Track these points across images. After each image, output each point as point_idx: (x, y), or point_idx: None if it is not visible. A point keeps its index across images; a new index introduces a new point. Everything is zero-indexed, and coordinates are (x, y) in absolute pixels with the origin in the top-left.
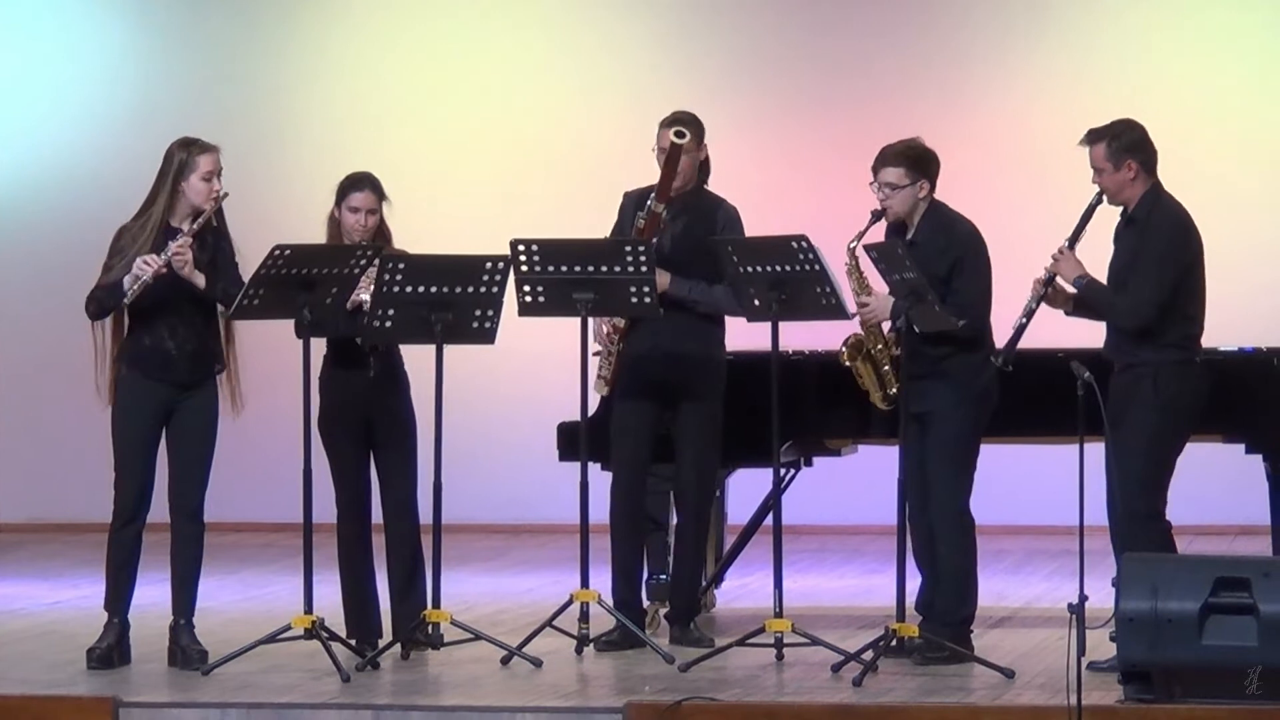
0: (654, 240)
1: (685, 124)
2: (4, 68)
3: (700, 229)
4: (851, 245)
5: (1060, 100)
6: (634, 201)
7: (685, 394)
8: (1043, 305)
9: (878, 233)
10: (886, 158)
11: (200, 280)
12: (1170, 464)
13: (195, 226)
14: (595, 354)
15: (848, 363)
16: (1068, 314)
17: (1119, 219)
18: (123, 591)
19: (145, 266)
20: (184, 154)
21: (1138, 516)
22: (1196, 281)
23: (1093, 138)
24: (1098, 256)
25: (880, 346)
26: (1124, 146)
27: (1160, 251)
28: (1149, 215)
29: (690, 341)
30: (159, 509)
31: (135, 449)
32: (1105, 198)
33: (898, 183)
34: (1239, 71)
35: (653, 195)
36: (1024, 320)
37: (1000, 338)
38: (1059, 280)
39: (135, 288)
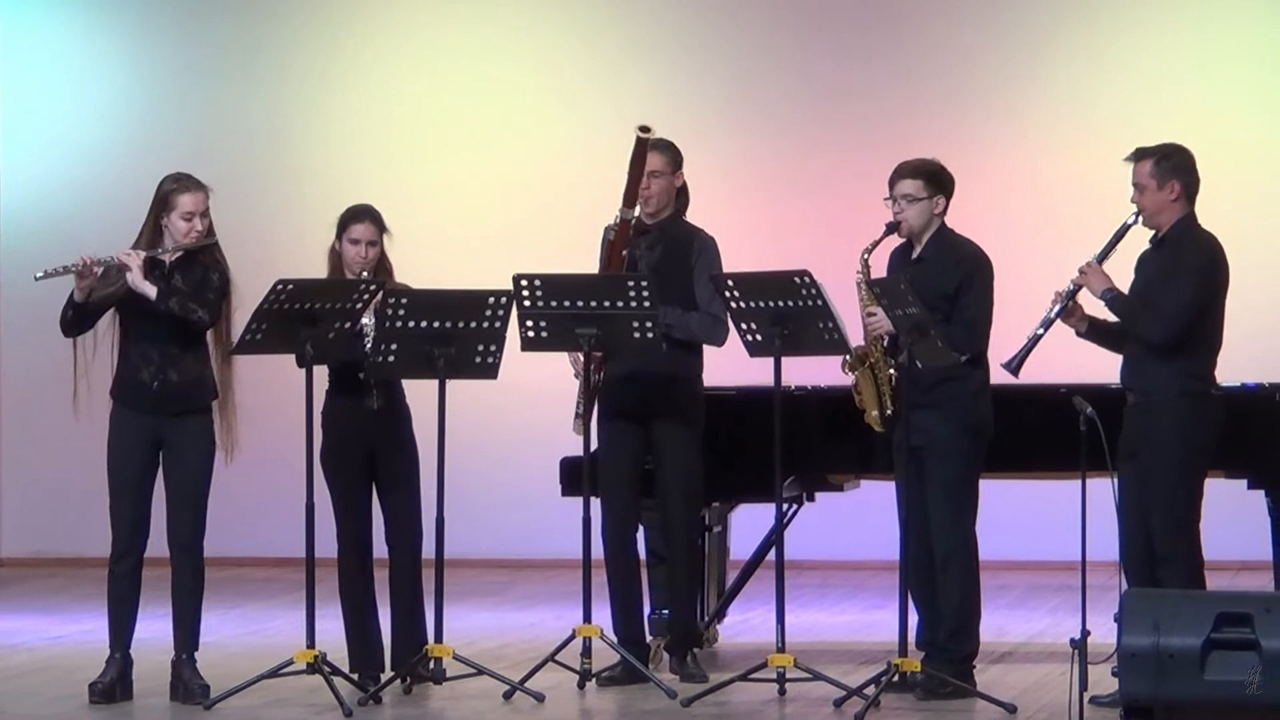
0: (625, 253)
1: (660, 148)
2: (10, 100)
3: (676, 257)
4: (865, 255)
5: (1066, 140)
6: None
7: (663, 416)
8: (1058, 323)
9: (889, 247)
10: (904, 171)
11: (150, 291)
12: (1201, 497)
13: (162, 251)
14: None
15: (849, 372)
16: (1079, 334)
17: (1146, 246)
18: (124, 626)
19: (79, 260)
20: (169, 188)
21: (1179, 558)
22: (1219, 313)
23: (1140, 154)
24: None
25: (882, 360)
26: (1173, 167)
27: (1194, 269)
28: (1181, 238)
29: (668, 365)
30: (162, 544)
31: (125, 483)
32: (1140, 218)
33: (915, 194)
34: (1240, 115)
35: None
36: (1041, 330)
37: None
38: (1080, 296)
39: (60, 270)
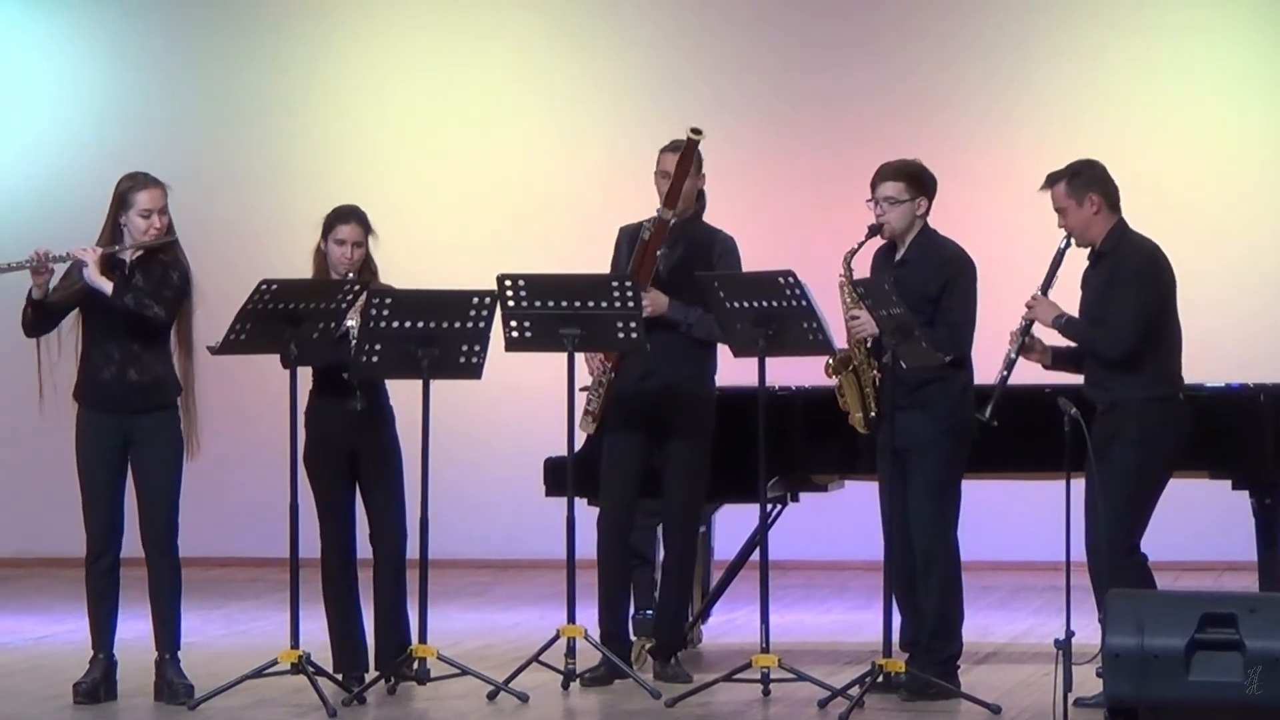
0: (659, 254)
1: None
2: None
3: (697, 258)
4: (848, 257)
5: (1055, 141)
6: (629, 236)
7: (674, 427)
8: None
9: (872, 251)
10: (886, 173)
11: (106, 286)
12: (1150, 501)
13: (120, 249)
14: (584, 389)
15: (832, 376)
16: (1046, 367)
17: (1086, 264)
18: (104, 626)
19: (33, 254)
20: (126, 187)
21: (1115, 553)
22: (1171, 315)
23: (1052, 179)
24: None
25: (866, 363)
26: (1085, 183)
27: (1133, 279)
28: (1117, 248)
29: (682, 373)
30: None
31: (95, 483)
32: (1072, 240)
33: (897, 196)
34: (1225, 117)
35: (661, 204)
36: (1005, 373)
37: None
38: (1036, 328)
39: (14, 265)
